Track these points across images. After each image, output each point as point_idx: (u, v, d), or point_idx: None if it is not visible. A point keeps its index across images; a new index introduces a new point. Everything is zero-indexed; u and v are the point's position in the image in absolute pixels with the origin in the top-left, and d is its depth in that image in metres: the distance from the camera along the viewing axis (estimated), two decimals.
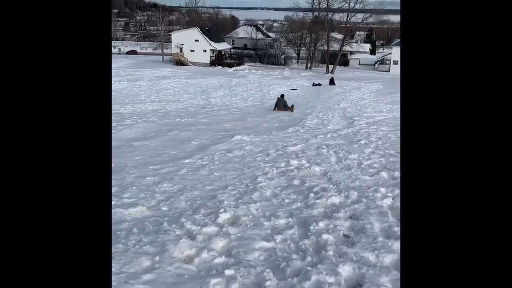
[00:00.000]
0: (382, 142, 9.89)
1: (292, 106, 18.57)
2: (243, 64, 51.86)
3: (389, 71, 50.54)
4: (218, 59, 50.48)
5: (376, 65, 53.78)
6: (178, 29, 57.99)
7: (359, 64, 55.12)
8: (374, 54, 64.68)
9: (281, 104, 18.29)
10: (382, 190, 5.66)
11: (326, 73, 46.72)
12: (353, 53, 57.62)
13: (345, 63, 55.60)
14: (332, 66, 47.52)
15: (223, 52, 52.61)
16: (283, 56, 57.32)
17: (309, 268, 3.39)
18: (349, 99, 24.08)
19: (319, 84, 31.05)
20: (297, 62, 57.63)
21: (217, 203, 5.15)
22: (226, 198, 5.40)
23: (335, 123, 14.09)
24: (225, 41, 55.57)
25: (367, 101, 22.66)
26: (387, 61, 52.67)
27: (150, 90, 27.09)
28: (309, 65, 51.60)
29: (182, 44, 49.86)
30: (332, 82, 32.75)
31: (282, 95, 19.14)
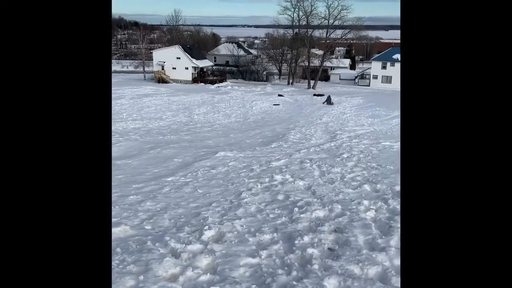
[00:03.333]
0: (364, 155, 10.06)
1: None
2: (226, 81, 52.20)
3: (369, 85, 51.58)
4: (200, 76, 50.69)
5: (356, 80, 54.82)
6: (159, 47, 58.18)
7: (340, 79, 56.10)
8: (354, 69, 66.01)
9: (330, 100, 29.66)
10: (365, 202, 5.74)
11: (308, 88, 47.31)
12: (333, 69, 58.67)
13: (326, 78, 56.48)
14: (314, 81, 48.29)
15: (205, 69, 52.89)
16: (265, 72, 57.94)
17: (294, 282, 3.40)
18: (331, 113, 24.42)
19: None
20: (279, 78, 58.26)
21: (201, 221, 5.13)
22: (210, 215, 5.38)
23: (317, 138, 14.25)
24: (207, 58, 55.91)
25: (348, 115, 23.05)
26: (367, 76, 53.80)
27: (131, 108, 26.93)
28: (291, 81, 52.26)
29: (164, 62, 49.97)
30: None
31: (329, 96, 31.01)
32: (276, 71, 59.22)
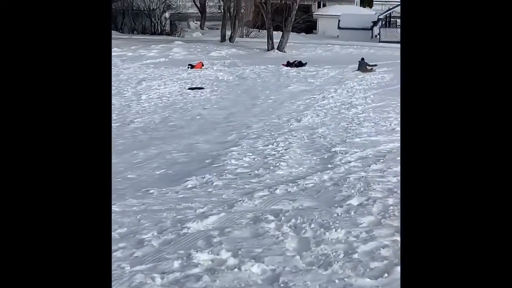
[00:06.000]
0: (396, 199, 10.34)
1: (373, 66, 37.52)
2: None
3: None
4: None
5: (376, 30, 56.46)
6: None
7: (339, 28, 57.47)
8: (370, 7, 68.01)
9: (363, 66, 36.59)
10: None
11: (269, 49, 47.96)
12: (324, 5, 60.10)
13: (308, 27, 57.68)
14: (282, 34, 48.97)
15: None
16: (167, 15, 58.22)
17: None
18: (321, 105, 24.86)
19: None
20: (201, 26, 58.79)
21: None
22: None
23: (293, 162, 14.53)
24: None
25: (360, 110, 23.57)
26: (398, 21, 55.57)
27: None
28: (229, 34, 52.73)
29: None
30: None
31: (363, 58, 37.87)
32: (194, 11, 59.65)
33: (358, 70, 36.92)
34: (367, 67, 36.89)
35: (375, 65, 37.84)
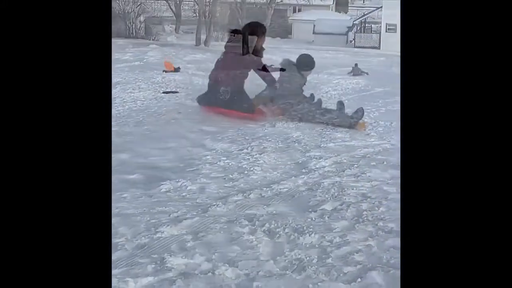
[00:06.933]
0: (370, 204, 10.47)
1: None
2: None
3: (378, 46, 53.48)
4: None
5: (351, 35, 56.64)
6: None
7: (314, 33, 57.62)
8: (345, 12, 68.22)
9: (358, 71, 37.91)
10: None
11: (244, 53, 47.95)
12: (299, 10, 60.23)
13: (283, 32, 57.74)
14: (257, 38, 48.96)
15: None
16: (142, 18, 58.11)
17: None
18: (296, 110, 24.75)
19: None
20: (176, 29, 58.72)
21: None
22: None
23: (267, 167, 14.44)
24: None
25: (335, 114, 23.57)
26: (373, 26, 55.74)
27: None
28: (204, 37, 52.72)
29: None
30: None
31: (356, 64, 38.63)
32: (169, 15, 59.57)
33: (351, 73, 38.51)
34: (360, 72, 38.67)
35: (367, 73, 38.95)
